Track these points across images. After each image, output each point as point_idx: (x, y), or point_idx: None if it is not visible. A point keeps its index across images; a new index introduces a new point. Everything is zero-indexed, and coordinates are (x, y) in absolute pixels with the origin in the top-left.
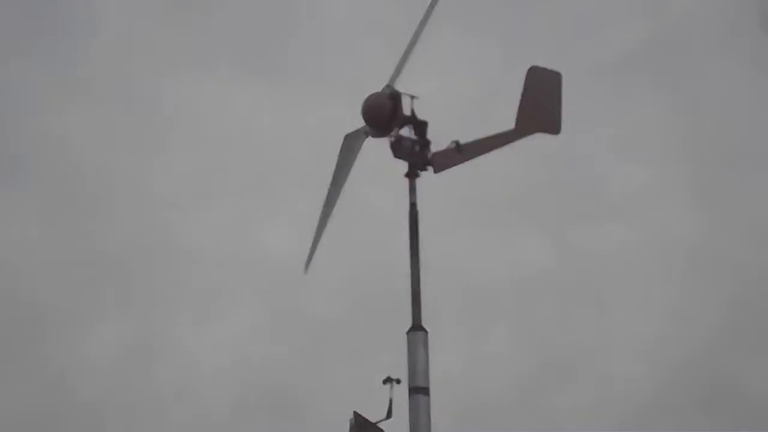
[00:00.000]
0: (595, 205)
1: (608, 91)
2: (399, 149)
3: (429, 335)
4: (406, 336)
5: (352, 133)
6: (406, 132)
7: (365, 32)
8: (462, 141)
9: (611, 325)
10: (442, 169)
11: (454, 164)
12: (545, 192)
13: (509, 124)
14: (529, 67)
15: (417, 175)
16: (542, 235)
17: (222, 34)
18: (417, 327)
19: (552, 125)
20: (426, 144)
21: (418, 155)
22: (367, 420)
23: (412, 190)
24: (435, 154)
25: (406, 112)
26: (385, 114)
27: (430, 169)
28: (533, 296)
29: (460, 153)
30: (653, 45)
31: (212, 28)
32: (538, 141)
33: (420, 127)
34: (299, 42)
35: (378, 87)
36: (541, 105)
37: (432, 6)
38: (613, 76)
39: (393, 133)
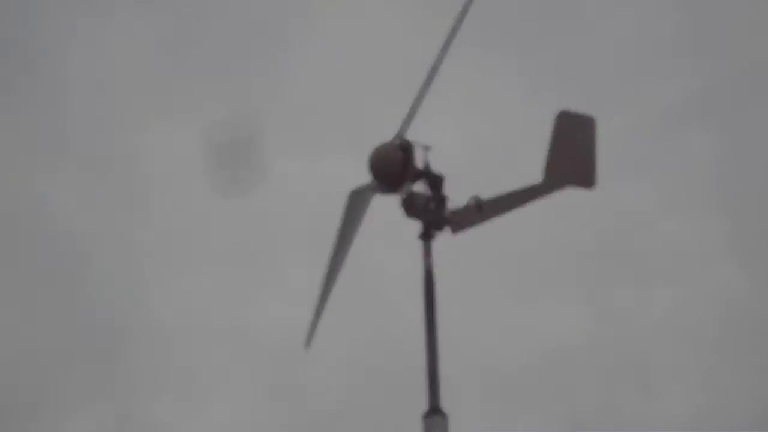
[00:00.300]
0: (637, 267)
1: (651, 141)
2: (411, 207)
3: (448, 420)
4: (422, 421)
5: (357, 189)
6: (420, 188)
7: (372, 74)
8: (483, 197)
9: (660, 406)
10: (461, 230)
11: (475, 224)
12: (579, 254)
13: (536, 176)
14: (558, 111)
15: (432, 237)
16: (577, 303)
17: (206, 80)
18: (434, 410)
19: (585, 178)
20: (442, 201)
21: (433, 214)
22: None
23: (428, 253)
24: (452, 213)
25: (419, 164)
26: (395, 167)
27: (448, 229)
28: (569, 374)
29: (480, 211)
30: (703, 94)
31: (196, 74)
32: (571, 196)
33: (435, 181)
34: (295, 84)
35: (387, 137)
36: (572, 154)
37: (447, 44)
38: (657, 126)
39: (404, 189)
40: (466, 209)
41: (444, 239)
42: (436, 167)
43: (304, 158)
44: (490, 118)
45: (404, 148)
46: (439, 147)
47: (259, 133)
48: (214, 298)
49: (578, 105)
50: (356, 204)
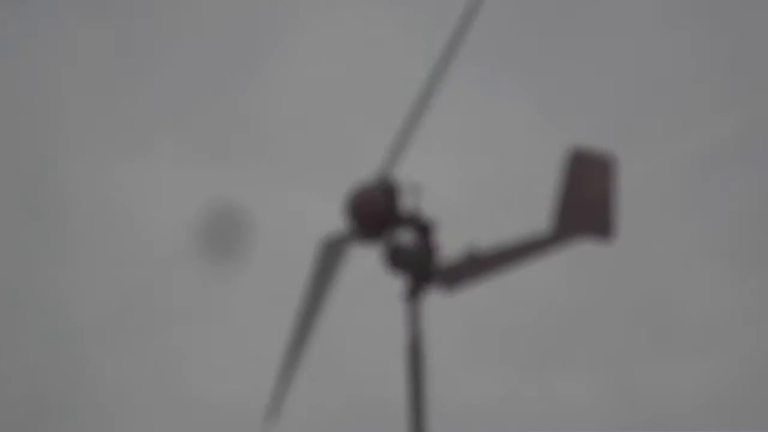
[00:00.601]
0: (667, 335)
1: (685, 187)
2: (396, 260)
3: None
4: None
5: (332, 238)
6: (406, 236)
7: (351, 103)
8: (481, 248)
9: None
10: (455, 287)
11: (471, 280)
12: (597, 318)
13: (545, 223)
14: (571, 148)
15: (421, 295)
16: (594, 377)
17: (156, 109)
18: None
19: (603, 228)
20: (432, 252)
21: (421, 268)
22: None
23: (415, 314)
24: (444, 268)
25: (406, 209)
26: (376, 213)
27: (439, 286)
28: None
29: (478, 265)
30: (741, 136)
31: (139, 105)
32: (587, 249)
33: (424, 229)
34: (256, 111)
35: (368, 175)
36: (587, 200)
37: (442, 68)
38: (693, 169)
39: (388, 238)
40: (461, 263)
41: (435, 298)
42: (427, 211)
43: (268, 192)
44: (492, 154)
45: (388, 191)
46: (430, 188)
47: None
48: (157, 366)
49: (595, 141)
50: (330, 255)
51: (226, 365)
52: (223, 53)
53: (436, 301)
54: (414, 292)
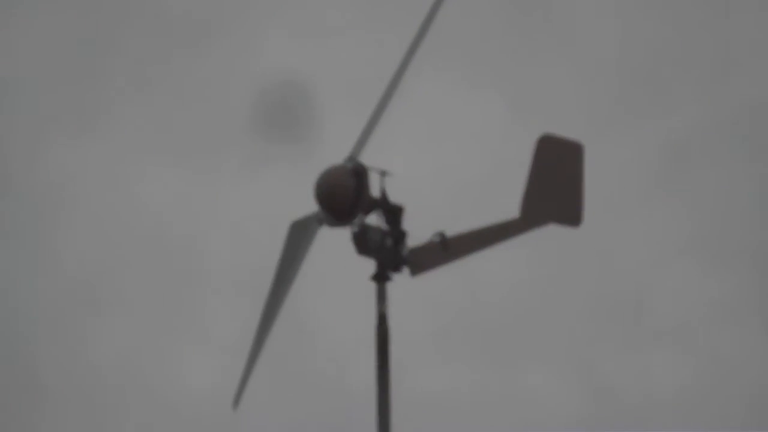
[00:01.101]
0: (638, 328)
1: (656, 169)
2: (364, 243)
3: None
4: None
5: (300, 220)
6: (375, 220)
7: (321, 83)
8: (448, 233)
9: None
10: (422, 272)
11: (438, 265)
12: (565, 307)
13: (513, 210)
14: (540, 135)
15: (388, 279)
16: (563, 370)
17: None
18: None
19: (571, 214)
20: (401, 236)
21: (389, 252)
22: None
23: (381, 298)
24: (412, 251)
25: (374, 193)
26: (345, 196)
27: (406, 270)
28: None
29: (445, 249)
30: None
31: (104, 76)
32: (555, 235)
33: (393, 213)
34: (225, 87)
35: (337, 158)
36: (556, 186)
37: (412, 51)
38: (660, 155)
39: (356, 222)
40: (429, 247)
41: (402, 282)
42: (395, 197)
43: (240, 177)
44: (460, 140)
45: (357, 173)
46: (398, 173)
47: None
48: (122, 349)
49: (565, 129)
50: (298, 238)
51: (191, 353)
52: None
53: (403, 287)
54: (382, 276)
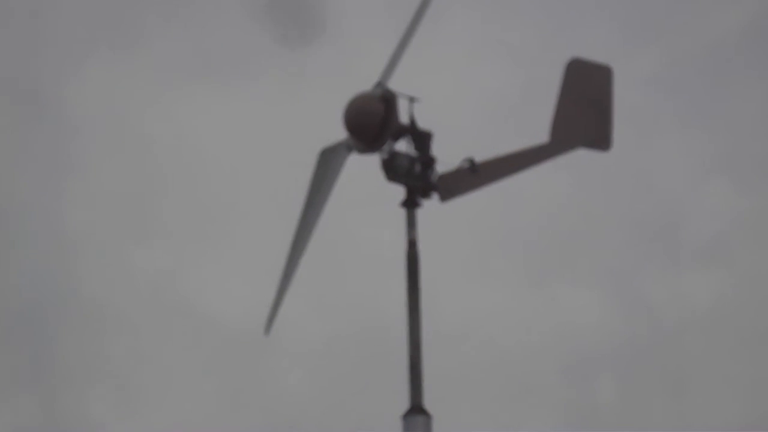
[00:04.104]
0: (670, 247)
1: (687, 91)
2: (393, 169)
3: (432, 421)
4: (401, 421)
5: (330, 147)
6: (404, 146)
7: (351, 9)
8: (478, 158)
9: (693, 414)
10: (452, 197)
11: (467, 190)
12: (596, 229)
13: (542, 135)
14: (569, 59)
15: (418, 205)
16: (594, 288)
17: (149, 10)
18: (416, 409)
19: (600, 138)
20: (429, 162)
21: (418, 178)
22: None
23: (411, 224)
24: (442, 177)
25: (403, 119)
26: (374, 122)
27: (436, 196)
28: (584, 372)
29: (474, 175)
30: (754, 30)
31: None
32: (581, 158)
33: (421, 139)
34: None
35: (366, 85)
36: (584, 110)
37: None
38: (693, 72)
39: (385, 148)
40: (458, 173)
41: (432, 208)
42: (423, 123)
43: (266, 102)
44: (489, 65)
45: (386, 100)
46: (426, 99)
47: None
48: (157, 274)
49: (595, 53)
50: (328, 165)
51: (225, 278)
52: None
53: (435, 211)
54: (411, 201)
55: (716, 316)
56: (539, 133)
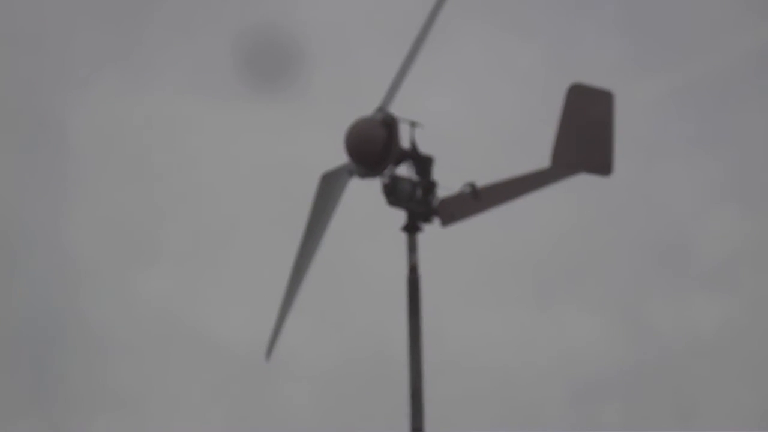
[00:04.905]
0: (677, 272)
1: (694, 116)
2: (395, 194)
3: None
4: None
5: (331, 171)
6: (405, 171)
7: (352, 36)
8: (479, 183)
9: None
10: (453, 222)
11: (469, 214)
12: (602, 254)
13: (545, 160)
14: (570, 84)
15: (419, 229)
16: (600, 313)
17: (154, 34)
18: None
19: (601, 163)
20: (431, 187)
21: (420, 202)
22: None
23: (412, 248)
24: (443, 201)
25: (404, 144)
26: (376, 147)
27: (437, 220)
28: (592, 400)
29: (476, 199)
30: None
31: (140, 28)
32: (591, 182)
33: (423, 164)
34: (258, 45)
35: (367, 110)
36: (585, 135)
37: (441, 1)
38: (700, 97)
39: (387, 173)
40: (459, 197)
41: (433, 232)
42: (425, 148)
43: (269, 130)
44: (491, 91)
45: (387, 124)
46: (428, 124)
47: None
48: (161, 299)
49: (597, 79)
50: (330, 189)
51: (227, 303)
52: None
53: (436, 235)
54: (412, 226)
55: (723, 342)
56: (542, 158)
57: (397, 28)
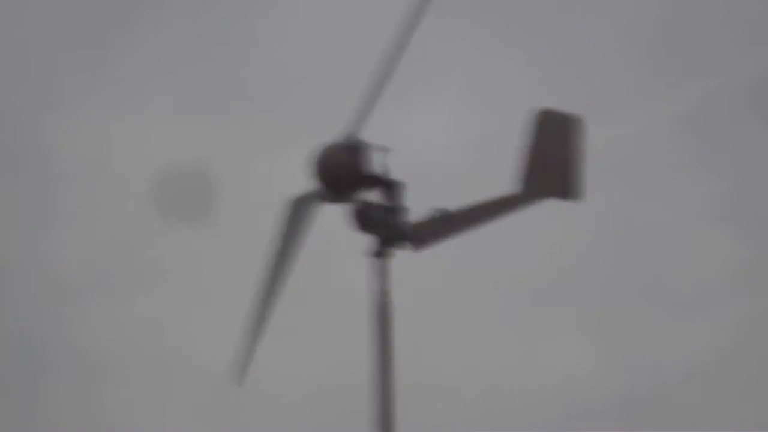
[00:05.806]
0: (661, 297)
1: (684, 140)
2: (364, 219)
3: None
4: None
5: (300, 197)
6: (375, 196)
7: (320, 60)
8: (450, 208)
9: None
10: (424, 246)
11: (439, 239)
12: (581, 276)
13: (514, 185)
14: (538, 109)
15: (389, 254)
16: (581, 340)
17: (135, 60)
18: None
19: (569, 188)
20: (401, 212)
21: (390, 227)
22: None
23: (383, 274)
24: (414, 226)
25: (374, 169)
26: (344, 172)
27: (407, 245)
28: (574, 426)
29: (446, 224)
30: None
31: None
32: (552, 208)
33: (393, 189)
34: (228, 67)
35: (335, 135)
36: (556, 161)
37: (411, 24)
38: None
39: (356, 198)
40: (430, 222)
41: (404, 257)
42: (395, 173)
43: (237, 154)
44: (461, 116)
45: (355, 149)
46: (398, 150)
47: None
48: (146, 323)
49: (568, 105)
50: (298, 215)
51: (196, 324)
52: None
53: (407, 260)
54: (381, 252)
55: (715, 367)
56: (511, 181)
57: (364, 50)
